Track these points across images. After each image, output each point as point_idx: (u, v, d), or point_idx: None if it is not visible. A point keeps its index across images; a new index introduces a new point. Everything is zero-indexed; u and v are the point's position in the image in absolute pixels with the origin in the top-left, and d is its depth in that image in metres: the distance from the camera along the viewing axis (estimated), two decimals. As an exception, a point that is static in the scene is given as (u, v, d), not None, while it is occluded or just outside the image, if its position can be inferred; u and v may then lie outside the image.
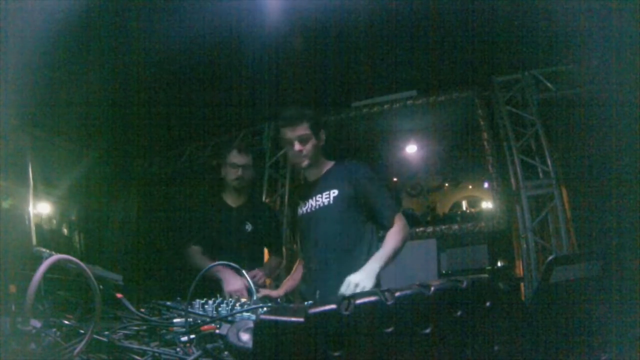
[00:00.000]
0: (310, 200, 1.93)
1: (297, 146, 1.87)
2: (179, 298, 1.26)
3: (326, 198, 1.88)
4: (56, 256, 0.70)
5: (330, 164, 2.00)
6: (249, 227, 2.37)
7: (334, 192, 1.87)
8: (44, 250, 1.02)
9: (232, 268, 1.24)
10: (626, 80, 2.87)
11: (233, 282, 1.98)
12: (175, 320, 1.01)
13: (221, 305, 1.15)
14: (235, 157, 2.37)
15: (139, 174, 5.24)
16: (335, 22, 3.18)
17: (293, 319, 0.58)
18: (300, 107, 1.94)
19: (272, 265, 2.47)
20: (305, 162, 1.91)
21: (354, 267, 1.67)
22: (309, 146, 1.89)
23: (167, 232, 4.48)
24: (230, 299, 1.19)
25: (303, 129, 1.87)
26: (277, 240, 2.64)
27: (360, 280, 1.59)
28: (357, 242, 1.84)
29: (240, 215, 2.39)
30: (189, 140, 4.93)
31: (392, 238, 1.76)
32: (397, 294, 0.59)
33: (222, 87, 3.89)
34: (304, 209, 1.96)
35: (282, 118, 1.91)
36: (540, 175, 3.60)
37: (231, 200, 2.44)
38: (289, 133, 1.88)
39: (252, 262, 2.21)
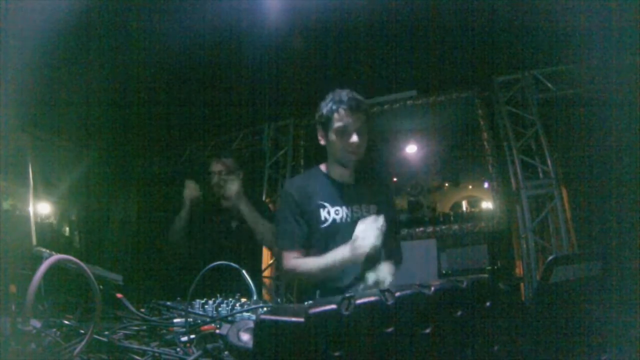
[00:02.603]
0: (346, 209, 1.69)
1: (355, 137, 1.61)
2: (179, 298, 1.26)
3: (366, 212, 1.69)
4: (56, 256, 0.70)
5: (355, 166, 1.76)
6: (234, 224, 2.39)
7: (374, 208, 1.70)
8: (44, 250, 1.01)
9: (233, 268, 1.24)
10: (626, 80, 2.88)
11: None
12: (175, 320, 1.01)
13: (221, 305, 1.15)
14: (212, 165, 2.44)
15: (139, 174, 5.24)
16: (335, 22, 3.18)
17: (293, 319, 0.58)
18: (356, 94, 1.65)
19: None
20: (355, 158, 1.67)
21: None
22: (363, 140, 1.65)
23: (167, 232, 4.49)
24: (231, 299, 1.19)
25: (363, 119, 1.62)
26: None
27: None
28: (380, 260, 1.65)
29: (229, 214, 2.43)
30: (189, 140, 4.93)
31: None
32: (397, 294, 0.59)
33: (222, 87, 3.89)
34: (338, 217, 1.69)
35: (343, 101, 1.60)
36: (540, 175, 3.60)
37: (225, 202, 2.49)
38: (348, 119, 1.60)
39: (237, 257, 2.23)
